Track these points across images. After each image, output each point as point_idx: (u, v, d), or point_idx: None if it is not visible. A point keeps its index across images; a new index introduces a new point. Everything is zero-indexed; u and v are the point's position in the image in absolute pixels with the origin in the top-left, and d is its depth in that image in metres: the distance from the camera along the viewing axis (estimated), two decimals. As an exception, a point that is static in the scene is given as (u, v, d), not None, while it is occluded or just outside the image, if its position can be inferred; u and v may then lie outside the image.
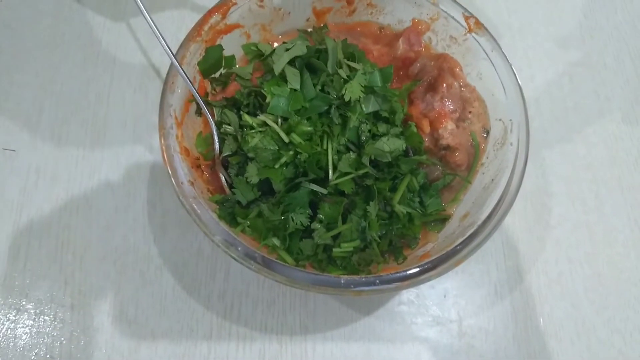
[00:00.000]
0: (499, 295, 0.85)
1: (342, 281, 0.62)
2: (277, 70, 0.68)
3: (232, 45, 0.79)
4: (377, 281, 0.62)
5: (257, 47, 0.78)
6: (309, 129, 0.66)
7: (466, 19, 0.77)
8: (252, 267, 0.62)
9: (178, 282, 0.82)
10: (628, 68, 1.03)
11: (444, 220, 0.76)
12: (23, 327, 0.78)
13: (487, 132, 0.78)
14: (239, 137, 0.71)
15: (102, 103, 0.93)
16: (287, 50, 0.69)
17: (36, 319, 0.79)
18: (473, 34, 0.77)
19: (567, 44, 1.05)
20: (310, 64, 0.70)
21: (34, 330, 0.78)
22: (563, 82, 1.02)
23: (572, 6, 1.08)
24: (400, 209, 0.71)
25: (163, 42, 0.65)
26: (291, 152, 0.67)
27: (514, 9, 1.06)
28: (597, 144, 0.97)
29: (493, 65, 0.75)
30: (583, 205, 0.92)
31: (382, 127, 0.70)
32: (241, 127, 0.71)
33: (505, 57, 0.74)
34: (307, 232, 0.69)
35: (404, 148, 0.70)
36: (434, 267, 0.64)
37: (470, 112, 0.77)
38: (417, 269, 0.63)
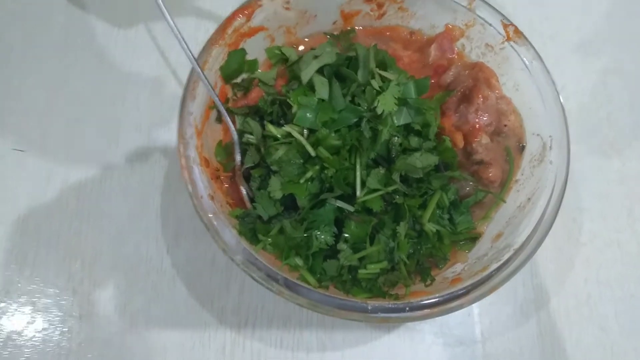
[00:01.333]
0: (525, 314, 0.81)
1: (370, 307, 0.58)
2: (304, 78, 0.65)
3: (254, 49, 0.75)
4: (407, 308, 0.58)
5: (281, 50, 0.74)
6: (338, 142, 0.62)
7: (505, 26, 0.73)
8: (273, 289, 0.59)
9: (191, 294, 0.79)
10: (664, 78, 0.98)
11: (474, 239, 0.72)
12: (29, 337, 0.75)
13: (523, 147, 0.74)
14: (262, 148, 0.67)
15: (116, 104, 0.89)
16: (316, 57, 0.65)
17: (43, 329, 0.75)
18: (511, 42, 0.73)
19: (601, 52, 1.00)
20: (339, 72, 0.66)
21: (41, 340, 0.75)
22: (596, 91, 0.97)
23: (606, 13, 1.03)
24: (430, 227, 0.67)
25: (185, 47, 0.61)
26: (317, 167, 0.63)
27: (545, 15, 1.02)
28: (630, 157, 0.92)
29: (532, 76, 0.71)
30: (615, 222, 0.88)
31: (413, 141, 0.66)
32: (264, 137, 0.68)
33: (547, 69, 0.70)
34: (331, 250, 0.65)
35: (437, 164, 0.66)
36: (467, 293, 0.60)
37: (505, 125, 0.73)
38: (449, 296, 0.60)
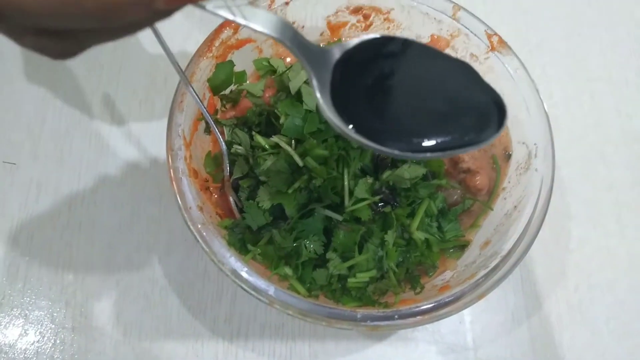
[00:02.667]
0: (516, 321, 0.81)
1: (359, 316, 0.59)
2: (293, 89, 0.65)
3: (242, 61, 0.75)
4: (396, 316, 0.59)
5: (269, 62, 0.75)
6: (325, 152, 0.63)
7: (489, 36, 0.74)
8: (263, 300, 0.59)
9: (183, 304, 0.79)
10: (651, 84, 0.99)
11: (463, 246, 0.73)
12: (22, 349, 0.75)
13: (509, 156, 0.75)
14: (251, 159, 0.67)
15: (106, 115, 0.89)
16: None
17: (36, 341, 0.76)
18: (496, 52, 0.74)
19: (587, 59, 1.01)
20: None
21: (34, 352, 0.75)
22: (583, 99, 0.98)
23: (591, 20, 1.05)
24: (419, 235, 0.67)
25: (173, 58, 0.62)
26: (305, 177, 0.64)
27: (531, 23, 1.03)
28: (618, 163, 0.93)
29: (517, 85, 0.72)
30: (604, 229, 0.88)
31: (400, 151, 0.66)
32: (252, 148, 0.68)
33: (531, 77, 0.71)
34: (320, 260, 0.66)
35: (425, 174, 0.67)
36: (456, 300, 0.61)
37: (492, 134, 0.74)
38: (438, 303, 0.60)
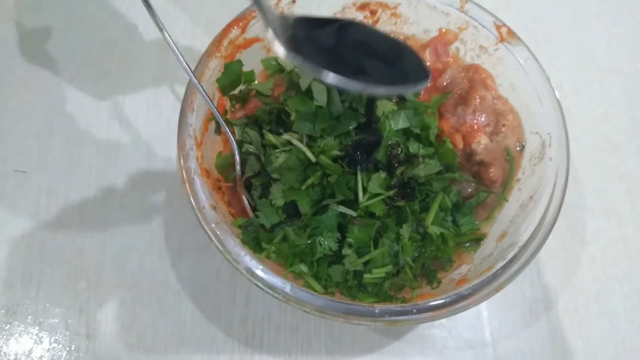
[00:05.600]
0: (534, 315, 0.80)
1: (377, 311, 0.58)
2: (303, 85, 0.65)
3: (251, 60, 0.75)
4: (414, 310, 0.58)
5: (277, 61, 0.75)
6: (341, 154, 0.62)
7: (497, 27, 0.73)
8: (279, 297, 0.59)
9: (197, 307, 0.78)
10: (660, 74, 0.98)
11: (478, 240, 0.72)
12: (37, 356, 0.75)
13: (522, 146, 0.74)
14: (262, 157, 0.67)
15: (114, 121, 0.89)
16: (313, 64, 0.65)
17: (51, 349, 0.75)
18: (505, 43, 0.73)
19: (595, 50, 1.01)
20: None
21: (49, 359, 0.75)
22: (592, 89, 0.97)
23: (597, 12, 1.04)
24: (434, 229, 0.67)
25: (182, 59, 0.62)
26: (319, 173, 0.63)
27: (538, 15, 1.03)
28: (630, 153, 0.93)
29: (527, 75, 0.71)
30: (618, 219, 0.87)
31: (413, 147, 0.66)
32: (264, 146, 0.68)
33: (541, 67, 0.71)
34: (336, 256, 0.65)
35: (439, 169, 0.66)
36: (473, 293, 0.60)
37: (504, 125, 0.73)
38: (456, 296, 0.59)
